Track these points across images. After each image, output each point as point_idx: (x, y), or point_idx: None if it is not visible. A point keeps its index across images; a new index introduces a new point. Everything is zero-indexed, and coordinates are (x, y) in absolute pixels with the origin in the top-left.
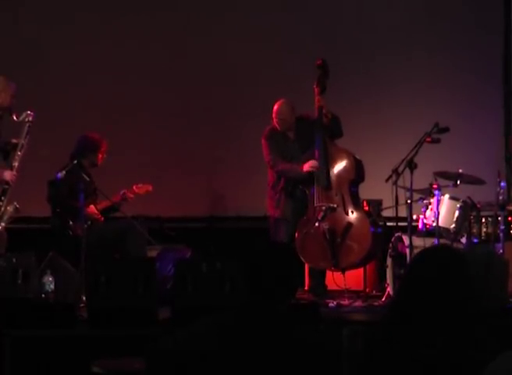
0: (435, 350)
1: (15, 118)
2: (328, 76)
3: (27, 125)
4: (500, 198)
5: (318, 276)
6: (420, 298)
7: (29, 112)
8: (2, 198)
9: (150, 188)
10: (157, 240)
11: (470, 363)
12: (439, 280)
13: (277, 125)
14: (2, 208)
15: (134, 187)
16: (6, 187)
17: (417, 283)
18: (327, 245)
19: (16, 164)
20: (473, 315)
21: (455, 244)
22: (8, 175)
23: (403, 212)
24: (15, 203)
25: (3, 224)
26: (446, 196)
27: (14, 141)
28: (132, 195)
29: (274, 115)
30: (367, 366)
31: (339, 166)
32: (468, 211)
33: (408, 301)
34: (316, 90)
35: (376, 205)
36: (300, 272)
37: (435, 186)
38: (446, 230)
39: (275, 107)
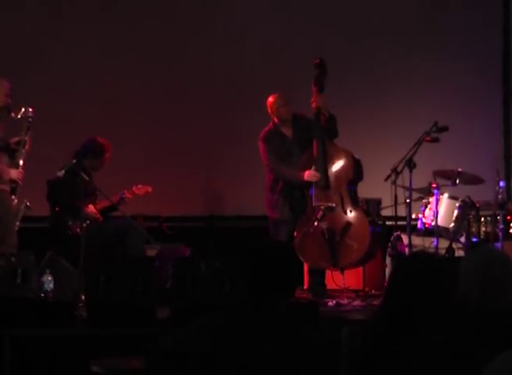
0: (428, 348)
1: (13, 115)
2: (326, 75)
3: (28, 120)
4: (499, 197)
5: (318, 276)
6: (406, 299)
7: (28, 108)
8: (13, 196)
9: (149, 190)
10: (156, 239)
11: (469, 362)
12: (421, 282)
13: (274, 116)
14: (16, 206)
15: (134, 189)
16: (14, 185)
17: (401, 286)
18: (326, 245)
19: (20, 161)
20: (460, 313)
21: (454, 244)
22: (14, 173)
23: (402, 212)
24: (25, 201)
25: (18, 223)
26: (445, 195)
27: (16, 139)
28: (130, 196)
29: (269, 108)
30: (364, 364)
31: (338, 166)
32: (467, 210)
33: (394, 303)
34: (314, 89)
35: (375, 204)
36: (300, 271)
37: (434, 185)
38: (445, 229)
39: (268, 99)
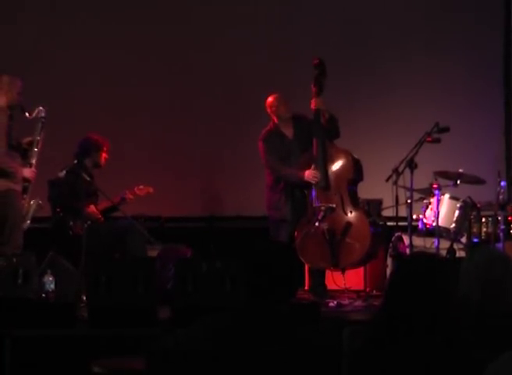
0: (429, 349)
1: (27, 115)
2: (326, 75)
3: (41, 121)
4: (500, 197)
5: (318, 276)
6: (405, 301)
7: (41, 107)
8: (25, 195)
9: (151, 190)
10: (157, 239)
11: (469, 363)
12: (421, 283)
13: (274, 116)
14: (26, 205)
15: (136, 189)
16: (26, 184)
17: (401, 287)
18: (327, 245)
19: (33, 161)
20: (460, 314)
21: (455, 244)
22: (27, 172)
23: (403, 212)
24: (38, 200)
25: (28, 222)
26: (446, 196)
27: (29, 138)
28: (132, 196)
29: (269, 107)
30: (365, 365)
31: (338, 166)
32: (468, 211)
33: (395, 304)
34: (314, 90)
35: (376, 204)
36: (300, 272)
37: (435, 186)
38: (446, 229)
39: (268, 99)
